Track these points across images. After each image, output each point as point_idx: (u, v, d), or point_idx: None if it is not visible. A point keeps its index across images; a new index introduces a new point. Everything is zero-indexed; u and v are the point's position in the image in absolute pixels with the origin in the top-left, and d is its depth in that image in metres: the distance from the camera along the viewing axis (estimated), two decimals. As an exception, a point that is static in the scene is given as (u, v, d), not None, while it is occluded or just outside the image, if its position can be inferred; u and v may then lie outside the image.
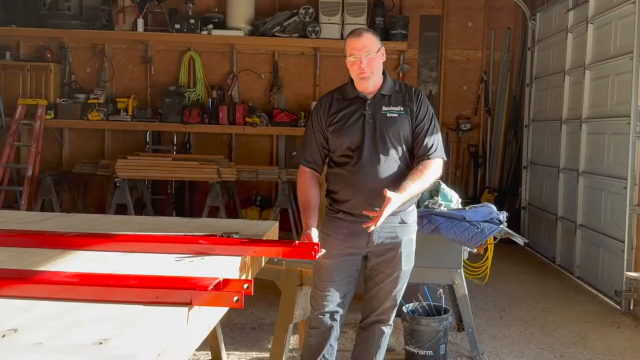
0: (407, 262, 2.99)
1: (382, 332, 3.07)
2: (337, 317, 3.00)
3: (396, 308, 3.08)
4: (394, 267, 2.95)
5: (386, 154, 2.86)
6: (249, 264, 2.26)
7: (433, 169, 2.87)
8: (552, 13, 7.24)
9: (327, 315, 2.97)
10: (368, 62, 2.81)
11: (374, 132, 2.86)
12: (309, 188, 2.94)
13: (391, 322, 3.09)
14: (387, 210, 2.64)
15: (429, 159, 2.87)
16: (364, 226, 2.67)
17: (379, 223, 2.65)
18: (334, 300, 2.96)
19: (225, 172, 7.08)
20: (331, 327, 2.99)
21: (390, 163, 2.85)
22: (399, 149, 2.88)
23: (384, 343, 3.11)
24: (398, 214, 2.91)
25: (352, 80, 2.95)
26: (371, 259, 2.98)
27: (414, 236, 3.03)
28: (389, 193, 2.62)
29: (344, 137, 2.88)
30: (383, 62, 2.93)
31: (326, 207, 3.06)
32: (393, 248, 2.93)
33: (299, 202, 2.96)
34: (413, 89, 2.98)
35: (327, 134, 2.94)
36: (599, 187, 5.74)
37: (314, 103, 7.57)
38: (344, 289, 2.97)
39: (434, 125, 2.94)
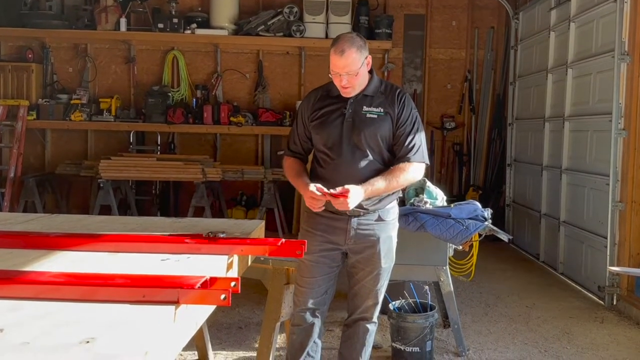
0: (387, 260, 3.01)
1: (367, 330, 3.10)
2: (319, 313, 3.03)
3: (379, 305, 3.10)
4: (374, 264, 2.98)
5: (363, 154, 2.87)
6: (235, 263, 2.25)
7: (409, 171, 2.87)
8: (534, 12, 7.30)
9: (309, 312, 3.01)
10: (349, 79, 2.82)
11: (351, 131, 2.87)
12: (295, 164, 3.03)
13: (375, 319, 3.11)
14: (352, 201, 2.68)
15: (409, 161, 2.87)
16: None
17: (323, 198, 2.71)
18: (315, 296, 2.99)
19: (210, 172, 7.06)
20: (313, 324, 3.02)
21: (367, 163, 2.86)
22: (376, 149, 2.89)
23: (369, 340, 3.13)
24: (376, 212, 2.94)
25: None
26: (351, 257, 3.01)
27: (393, 233, 3.04)
28: (349, 185, 2.69)
29: (322, 133, 2.92)
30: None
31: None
32: (371, 245, 2.95)
33: (290, 178, 3.01)
34: (397, 90, 2.97)
35: (309, 129, 2.98)
36: (581, 184, 5.80)
37: (299, 102, 7.64)
38: (324, 285, 3.00)
39: (417, 128, 2.93)
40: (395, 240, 3.06)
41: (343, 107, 2.91)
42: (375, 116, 2.88)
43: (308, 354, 3.04)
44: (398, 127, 2.90)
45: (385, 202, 2.96)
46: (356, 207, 2.85)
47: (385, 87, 2.98)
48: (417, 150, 2.90)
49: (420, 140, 2.93)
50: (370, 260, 2.98)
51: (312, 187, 2.76)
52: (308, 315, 3.01)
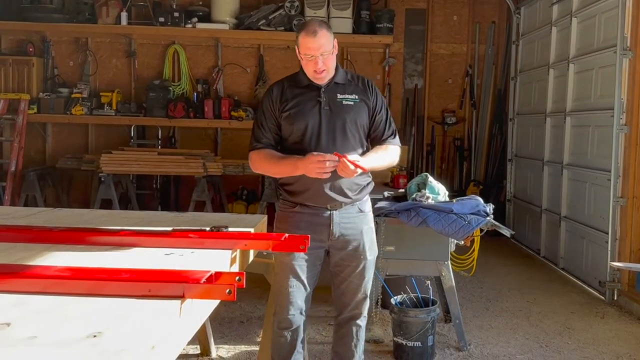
0: (371, 251, 3.01)
1: (359, 327, 3.10)
2: (305, 312, 3.02)
3: (368, 299, 3.09)
4: (359, 258, 2.97)
5: (345, 141, 2.86)
6: (239, 257, 2.25)
7: (391, 152, 2.97)
8: (536, 7, 7.28)
9: (297, 314, 2.97)
10: (324, 61, 2.78)
11: (331, 118, 2.85)
12: (273, 151, 2.91)
13: (365, 314, 3.10)
14: (364, 165, 2.72)
15: (392, 144, 2.98)
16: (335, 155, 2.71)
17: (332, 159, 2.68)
18: (302, 297, 2.97)
19: (211, 167, 7.04)
20: (300, 325, 3.01)
21: (348, 150, 2.83)
22: (357, 136, 2.90)
23: (362, 334, 3.13)
24: (355, 204, 2.93)
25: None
26: (334, 254, 2.98)
27: (372, 224, 3.05)
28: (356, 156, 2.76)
29: (299, 122, 2.85)
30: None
31: (279, 202, 3.03)
32: (355, 239, 2.95)
33: (273, 164, 2.89)
34: (365, 79, 3.00)
35: (280, 121, 2.90)
36: (583, 179, 5.80)
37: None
38: (308, 284, 2.97)
39: (390, 114, 3.02)
40: (374, 231, 3.08)
41: (317, 95, 2.87)
42: (352, 103, 2.89)
43: (297, 351, 3.04)
44: (375, 114, 2.94)
45: (364, 193, 2.98)
46: (340, 195, 2.85)
47: (352, 76, 2.99)
48: (396, 134, 3.00)
49: (394, 124, 3.03)
50: (354, 255, 2.96)
51: (314, 152, 2.72)
52: (297, 317, 2.98)
